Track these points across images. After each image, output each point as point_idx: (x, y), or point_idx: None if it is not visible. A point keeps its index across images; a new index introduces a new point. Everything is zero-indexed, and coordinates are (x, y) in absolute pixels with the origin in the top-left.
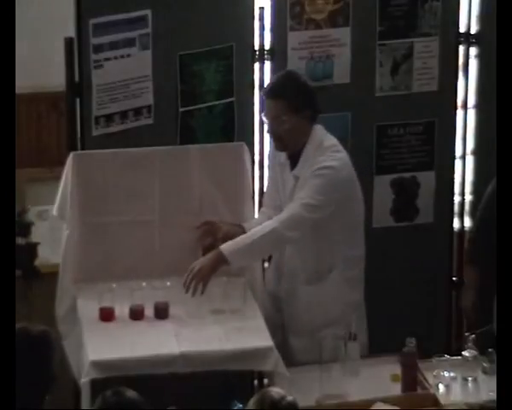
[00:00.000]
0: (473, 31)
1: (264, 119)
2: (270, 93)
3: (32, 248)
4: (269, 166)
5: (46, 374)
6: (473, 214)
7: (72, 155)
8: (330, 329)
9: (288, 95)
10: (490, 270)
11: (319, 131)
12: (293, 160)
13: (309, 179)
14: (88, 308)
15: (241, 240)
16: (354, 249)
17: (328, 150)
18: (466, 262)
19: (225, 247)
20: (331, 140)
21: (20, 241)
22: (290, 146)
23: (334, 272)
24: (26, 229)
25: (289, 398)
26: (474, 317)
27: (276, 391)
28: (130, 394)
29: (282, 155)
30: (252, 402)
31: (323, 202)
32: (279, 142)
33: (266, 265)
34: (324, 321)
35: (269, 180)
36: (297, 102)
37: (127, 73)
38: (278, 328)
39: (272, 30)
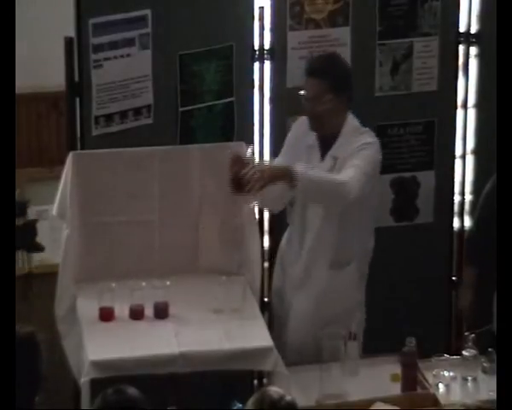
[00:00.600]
0: (473, 30)
1: (304, 97)
2: (314, 72)
3: (31, 226)
4: (287, 149)
5: (33, 376)
6: (473, 214)
7: (71, 154)
8: (335, 325)
9: (332, 75)
10: (488, 269)
11: (352, 117)
12: (325, 142)
13: (356, 153)
14: (88, 308)
15: (312, 171)
16: (369, 242)
17: (364, 133)
18: (465, 262)
19: (297, 168)
20: (363, 127)
21: (18, 221)
22: (327, 127)
23: (352, 265)
24: (23, 208)
25: (288, 398)
26: (473, 316)
27: (275, 391)
28: (131, 391)
29: (310, 138)
30: (251, 402)
31: (374, 172)
32: (317, 121)
33: (266, 264)
34: (332, 314)
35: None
36: (339, 84)
37: (127, 72)
38: (284, 326)
39: (272, 30)
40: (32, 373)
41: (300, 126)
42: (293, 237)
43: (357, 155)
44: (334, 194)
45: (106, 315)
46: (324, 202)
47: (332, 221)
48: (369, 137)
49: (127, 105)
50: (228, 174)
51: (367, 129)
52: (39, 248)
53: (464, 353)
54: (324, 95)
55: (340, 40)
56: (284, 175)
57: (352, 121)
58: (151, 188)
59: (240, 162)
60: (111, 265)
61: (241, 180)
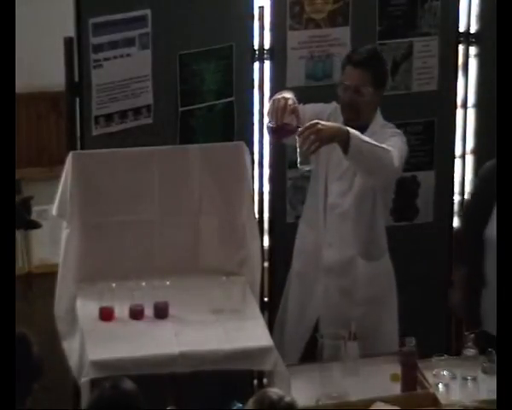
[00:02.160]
0: (472, 30)
1: (344, 86)
2: (361, 63)
3: (25, 203)
4: (311, 116)
5: (25, 376)
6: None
7: (71, 154)
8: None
9: (376, 68)
10: (476, 269)
11: (380, 113)
12: None
13: (388, 138)
14: (88, 308)
15: (365, 138)
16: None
17: (392, 127)
18: (454, 261)
19: (352, 131)
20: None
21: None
22: (362, 117)
23: (385, 257)
24: (17, 186)
25: (288, 399)
26: (463, 315)
27: (274, 392)
28: (128, 386)
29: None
30: (250, 403)
31: (403, 160)
32: (352, 111)
33: (266, 264)
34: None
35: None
36: (381, 77)
37: (127, 72)
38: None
39: (272, 29)
40: (24, 374)
41: (331, 110)
42: (314, 223)
43: (389, 139)
44: (381, 159)
45: (106, 315)
46: (371, 169)
47: (363, 209)
48: (396, 129)
49: (127, 105)
50: (227, 176)
51: (392, 124)
52: (35, 225)
53: (464, 353)
54: (366, 86)
55: (340, 40)
56: (340, 135)
57: (380, 117)
58: (151, 188)
59: (283, 110)
60: (111, 265)
61: (283, 129)
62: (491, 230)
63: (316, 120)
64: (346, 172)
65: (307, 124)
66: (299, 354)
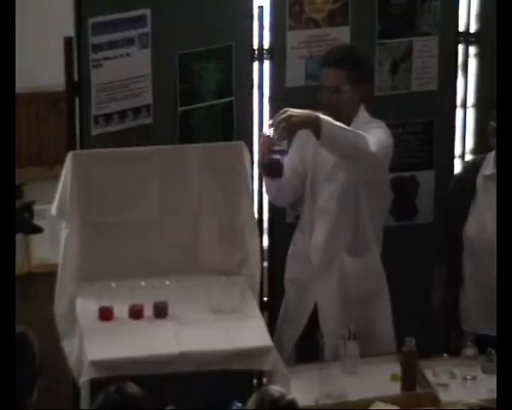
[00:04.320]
0: (472, 30)
1: (322, 87)
2: (332, 62)
3: (28, 208)
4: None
5: (26, 375)
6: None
7: (71, 154)
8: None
9: (352, 65)
10: (454, 269)
11: (364, 109)
12: None
13: (370, 130)
14: (87, 308)
15: (337, 123)
16: (380, 236)
17: (375, 122)
18: (434, 261)
19: (323, 117)
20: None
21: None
22: (344, 116)
23: (372, 249)
24: (19, 191)
25: (289, 397)
26: (444, 314)
27: (276, 390)
28: (133, 390)
29: None
30: (251, 401)
31: (387, 150)
32: (334, 111)
33: (266, 264)
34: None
35: (293, 150)
36: (359, 74)
37: (126, 72)
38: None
39: (271, 29)
40: (25, 373)
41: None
42: (306, 229)
43: (370, 131)
44: (355, 144)
45: (105, 315)
46: (346, 153)
47: (347, 208)
48: (380, 123)
49: (126, 105)
50: (226, 176)
51: (379, 120)
52: (38, 230)
53: (464, 352)
54: (343, 85)
55: (340, 40)
56: (310, 122)
57: (363, 113)
58: (151, 187)
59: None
60: (110, 264)
61: (271, 164)
62: (468, 229)
63: (286, 108)
64: (332, 172)
65: (280, 112)
66: (289, 354)
